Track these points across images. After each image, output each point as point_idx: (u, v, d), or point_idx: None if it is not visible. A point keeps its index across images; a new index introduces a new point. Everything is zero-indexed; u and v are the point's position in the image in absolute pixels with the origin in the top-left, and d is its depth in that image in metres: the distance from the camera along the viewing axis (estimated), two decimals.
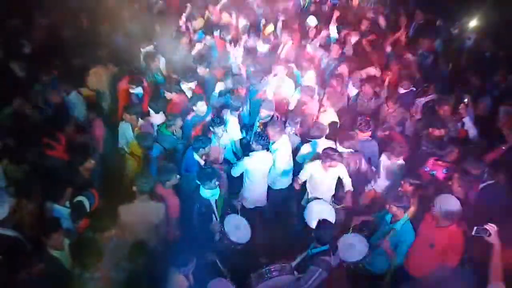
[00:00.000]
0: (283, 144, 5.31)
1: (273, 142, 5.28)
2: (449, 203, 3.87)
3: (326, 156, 4.80)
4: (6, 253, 3.54)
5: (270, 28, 8.05)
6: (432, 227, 4.01)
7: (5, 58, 6.22)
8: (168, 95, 5.94)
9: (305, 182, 5.25)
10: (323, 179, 5.04)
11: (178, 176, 4.49)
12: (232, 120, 5.68)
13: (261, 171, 5.20)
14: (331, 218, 4.46)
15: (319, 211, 4.53)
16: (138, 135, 5.18)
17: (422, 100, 6.33)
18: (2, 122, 5.20)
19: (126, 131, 5.49)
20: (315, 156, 5.24)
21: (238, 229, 4.25)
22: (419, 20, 8.28)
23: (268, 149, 5.21)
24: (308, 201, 5.06)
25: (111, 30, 7.58)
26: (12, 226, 3.89)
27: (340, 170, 5.01)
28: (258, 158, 5.08)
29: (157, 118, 5.57)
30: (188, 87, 6.08)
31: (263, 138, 5.06)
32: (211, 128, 5.32)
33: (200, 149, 4.87)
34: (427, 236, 4.07)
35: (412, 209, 4.34)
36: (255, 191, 5.32)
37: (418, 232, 4.19)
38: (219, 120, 5.28)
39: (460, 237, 3.92)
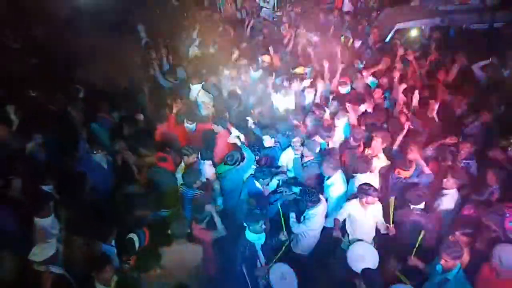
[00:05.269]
0: (337, 180, 5.23)
1: (328, 177, 5.26)
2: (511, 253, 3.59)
3: (362, 191, 4.70)
4: None
5: (300, 69, 8.10)
6: (492, 279, 3.71)
7: (65, 103, 6.53)
8: (215, 128, 6.07)
9: (344, 224, 5.04)
10: (363, 219, 4.84)
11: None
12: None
13: (320, 224, 4.99)
14: (375, 261, 4.30)
15: (363, 254, 4.37)
16: (185, 173, 5.14)
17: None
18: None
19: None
20: (353, 195, 5.06)
21: (283, 280, 4.03)
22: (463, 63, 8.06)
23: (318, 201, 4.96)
24: (349, 243, 4.79)
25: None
26: (59, 264, 3.95)
27: (378, 208, 4.83)
28: (318, 216, 4.85)
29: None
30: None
31: (311, 194, 4.82)
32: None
33: (260, 180, 5.09)
34: None
35: (465, 258, 4.04)
36: (309, 240, 5.06)
37: (475, 285, 3.86)
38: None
39: None
